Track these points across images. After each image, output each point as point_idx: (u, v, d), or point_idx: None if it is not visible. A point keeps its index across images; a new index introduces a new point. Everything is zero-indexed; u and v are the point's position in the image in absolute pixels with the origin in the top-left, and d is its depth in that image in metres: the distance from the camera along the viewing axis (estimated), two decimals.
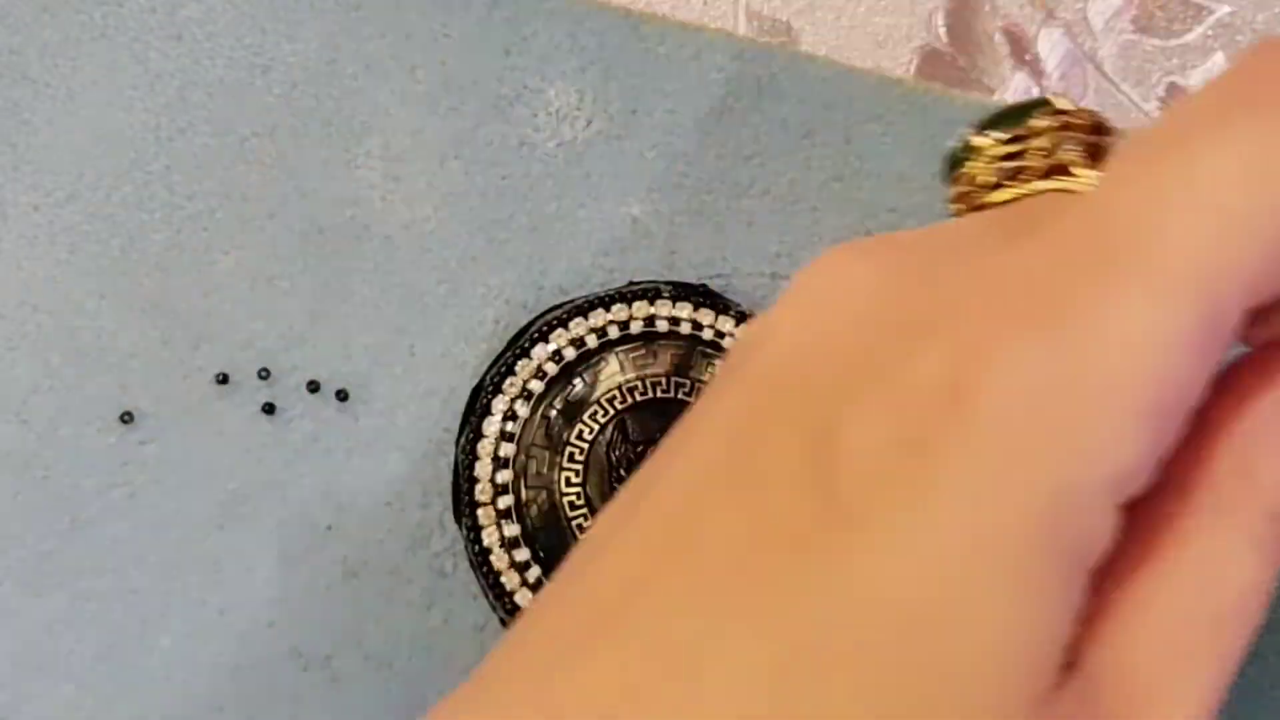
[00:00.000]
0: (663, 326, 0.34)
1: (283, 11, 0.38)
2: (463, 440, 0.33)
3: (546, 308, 0.35)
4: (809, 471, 0.20)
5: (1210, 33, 0.38)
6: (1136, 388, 0.19)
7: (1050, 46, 0.38)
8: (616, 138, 0.36)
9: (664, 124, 0.36)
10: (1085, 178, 0.23)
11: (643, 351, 0.34)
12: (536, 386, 0.33)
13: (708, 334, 0.34)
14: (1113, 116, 0.37)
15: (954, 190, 0.25)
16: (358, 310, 0.35)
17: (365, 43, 0.37)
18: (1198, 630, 0.20)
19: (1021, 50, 0.38)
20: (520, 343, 0.34)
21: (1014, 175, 0.24)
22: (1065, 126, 0.24)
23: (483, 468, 0.33)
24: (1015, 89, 0.37)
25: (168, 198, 0.36)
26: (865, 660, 0.19)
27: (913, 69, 0.38)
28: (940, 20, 0.38)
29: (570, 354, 0.33)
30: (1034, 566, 0.19)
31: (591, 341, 0.34)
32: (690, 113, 0.37)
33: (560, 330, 0.34)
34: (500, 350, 0.34)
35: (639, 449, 0.33)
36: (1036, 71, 0.38)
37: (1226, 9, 0.38)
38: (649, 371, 0.33)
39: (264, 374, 0.35)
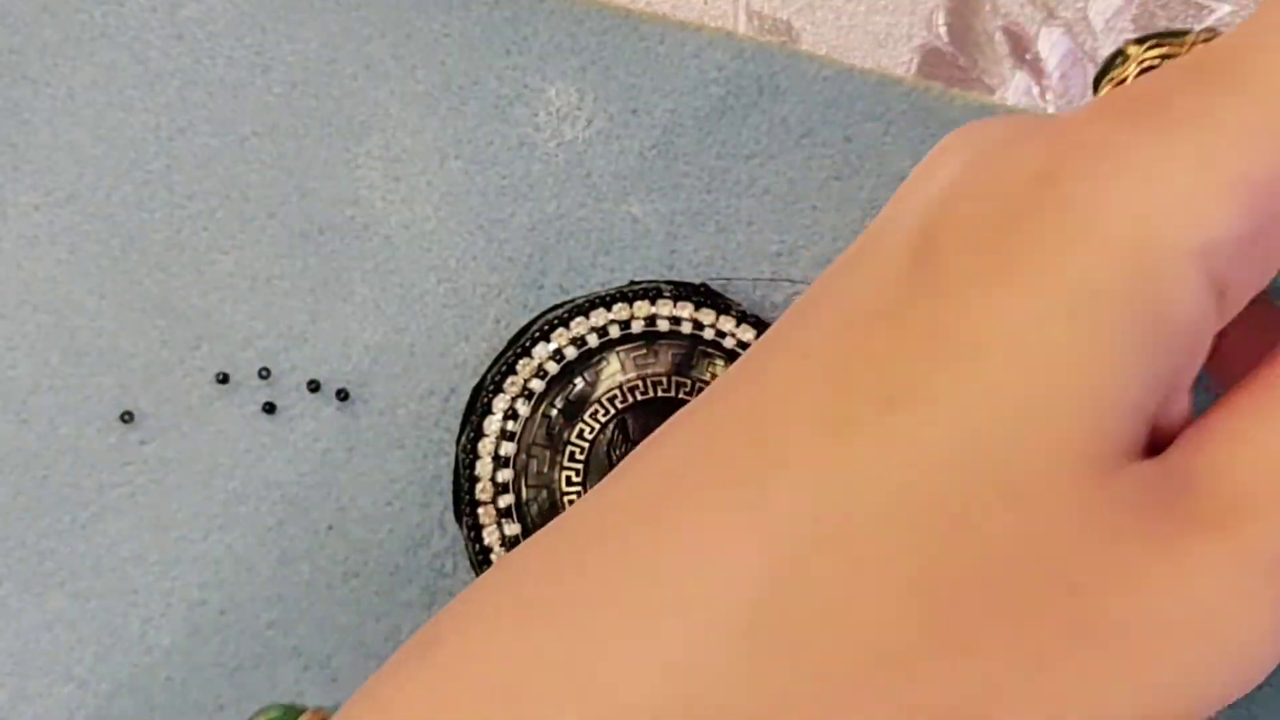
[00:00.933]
0: (664, 326, 0.34)
1: (283, 11, 0.38)
2: (463, 439, 0.33)
3: (547, 307, 0.35)
4: (911, 252, 0.21)
5: (1210, 32, 0.38)
6: (1234, 164, 0.20)
7: (1051, 46, 0.38)
8: (616, 137, 0.36)
9: (664, 124, 0.36)
10: None
11: (644, 351, 0.34)
12: (537, 386, 0.33)
13: (709, 334, 0.34)
14: None
15: (1101, 93, 0.26)
16: (358, 310, 0.35)
17: (365, 43, 0.37)
18: None
19: (1022, 50, 0.38)
20: (521, 342, 0.34)
21: None
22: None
23: (483, 467, 0.33)
24: (1015, 88, 0.37)
25: (168, 197, 0.36)
26: (950, 408, 0.20)
27: (913, 68, 0.38)
28: (940, 19, 0.38)
29: (571, 353, 0.33)
30: (1115, 317, 0.20)
31: (593, 340, 0.33)
32: (690, 112, 0.37)
33: (561, 329, 0.34)
34: (501, 349, 0.34)
35: None
36: (1037, 71, 0.38)
37: (1227, 8, 0.38)
38: (650, 371, 0.33)
39: (264, 374, 0.35)
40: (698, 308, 0.34)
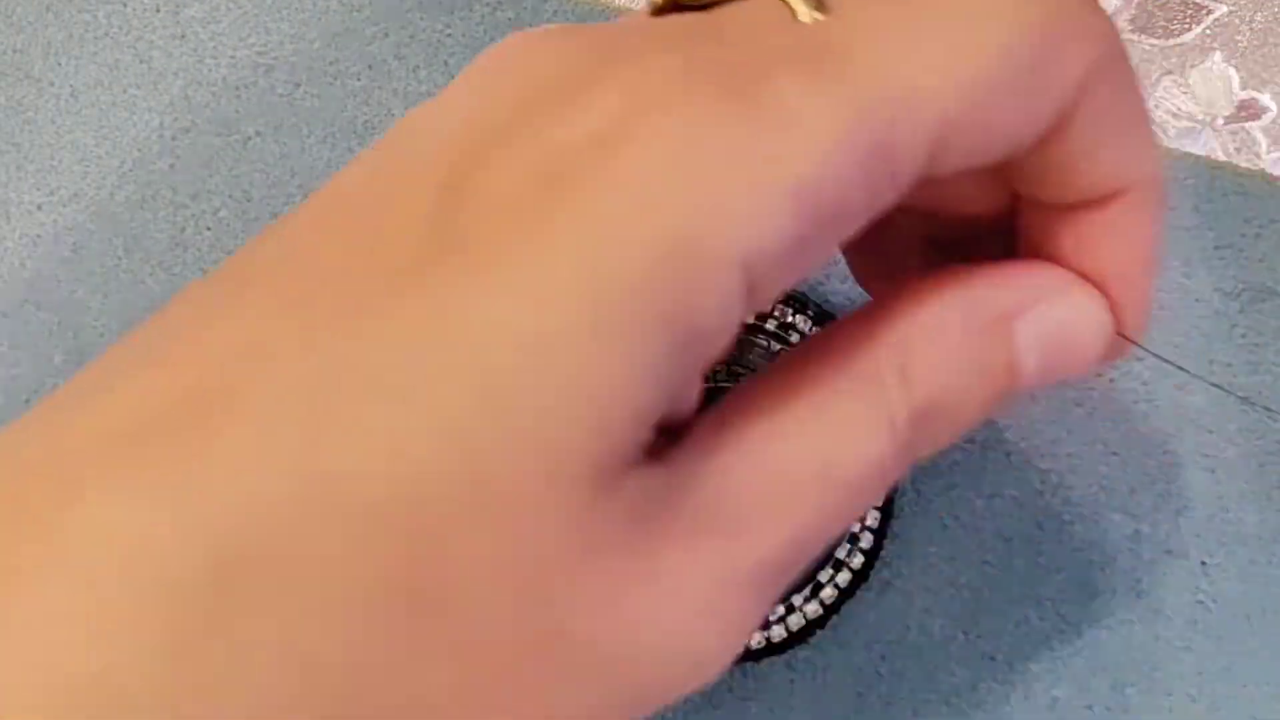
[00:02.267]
0: None
1: (286, 12, 0.38)
2: None
3: None
4: (435, 208, 0.19)
5: (1208, 32, 0.38)
6: (787, 170, 0.18)
7: None
8: None
9: None
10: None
11: None
12: None
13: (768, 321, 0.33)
14: None
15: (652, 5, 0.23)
16: None
17: (369, 43, 0.37)
18: (811, 480, 0.20)
19: None
20: None
21: None
22: None
23: None
24: None
25: (171, 197, 0.36)
26: (429, 394, 0.18)
27: None
28: None
29: None
30: (631, 319, 0.18)
31: None
32: None
33: None
34: None
35: None
36: None
37: (1224, 9, 0.38)
38: None
39: None
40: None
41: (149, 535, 0.17)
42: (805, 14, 0.20)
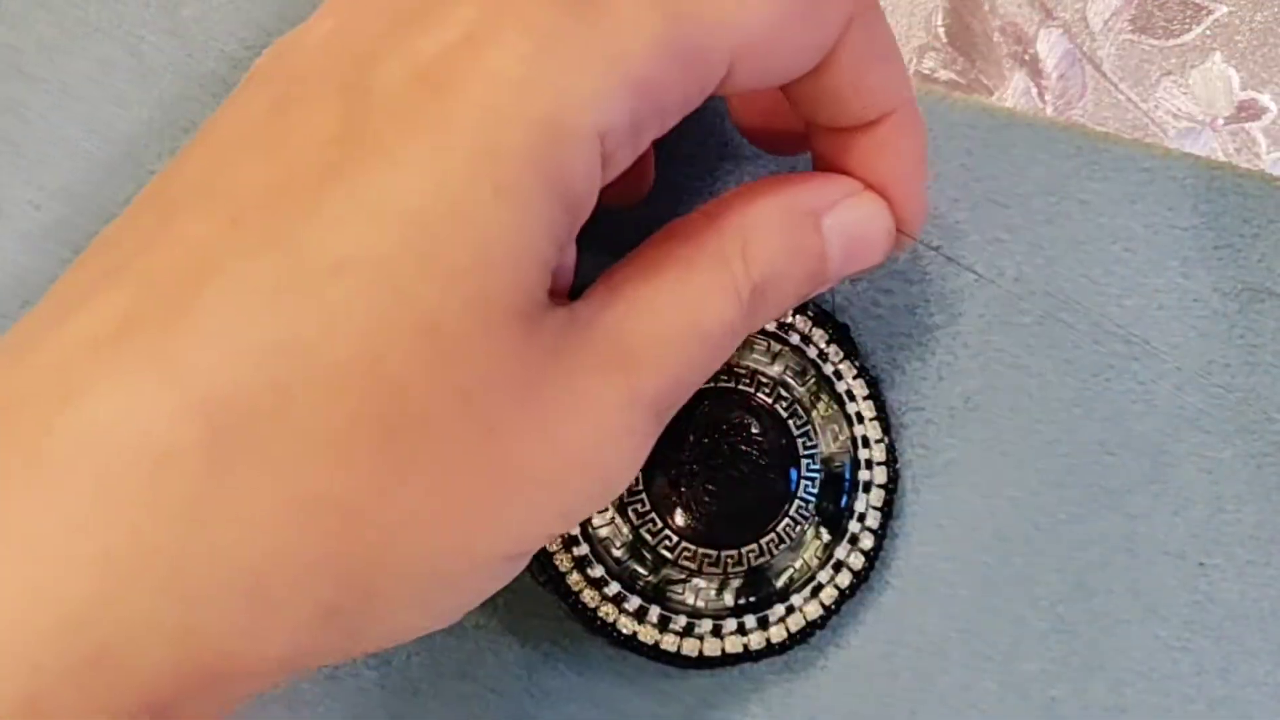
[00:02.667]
0: (794, 338, 0.34)
1: (277, 6, 0.37)
2: None
3: None
4: (342, 114, 0.22)
5: (1208, 33, 0.38)
6: (623, 60, 0.22)
7: (1049, 46, 0.38)
8: None
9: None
10: None
11: (766, 344, 0.34)
12: None
13: (828, 368, 0.33)
14: (1111, 116, 0.37)
15: None
16: None
17: None
18: (684, 332, 0.25)
19: (1020, 50, 0.38)
20: None
21: None
22: None
23: None
24: (1014, 89, 0.38)
25: None
26: (374, 264, 0.21)
27: (911, 69, 0.38)
28: (939, 20, 0.38)
29: None
30: (524, 183, 0.22)
31: None
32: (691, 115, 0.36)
33: None
34: None
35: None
36: (1035, 71, 0.38)
37: (1224, 9, 0.38)
38: (756, 366, 0.33)
39: None
40: (830, 341, 0.34)
41: (146, 416, 0.20)
42: None
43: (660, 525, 0.32)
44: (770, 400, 0.33)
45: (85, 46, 0.37)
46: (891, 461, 0.34)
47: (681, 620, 0.32)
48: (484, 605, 0.33)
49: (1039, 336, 0.35)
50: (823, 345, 0.34)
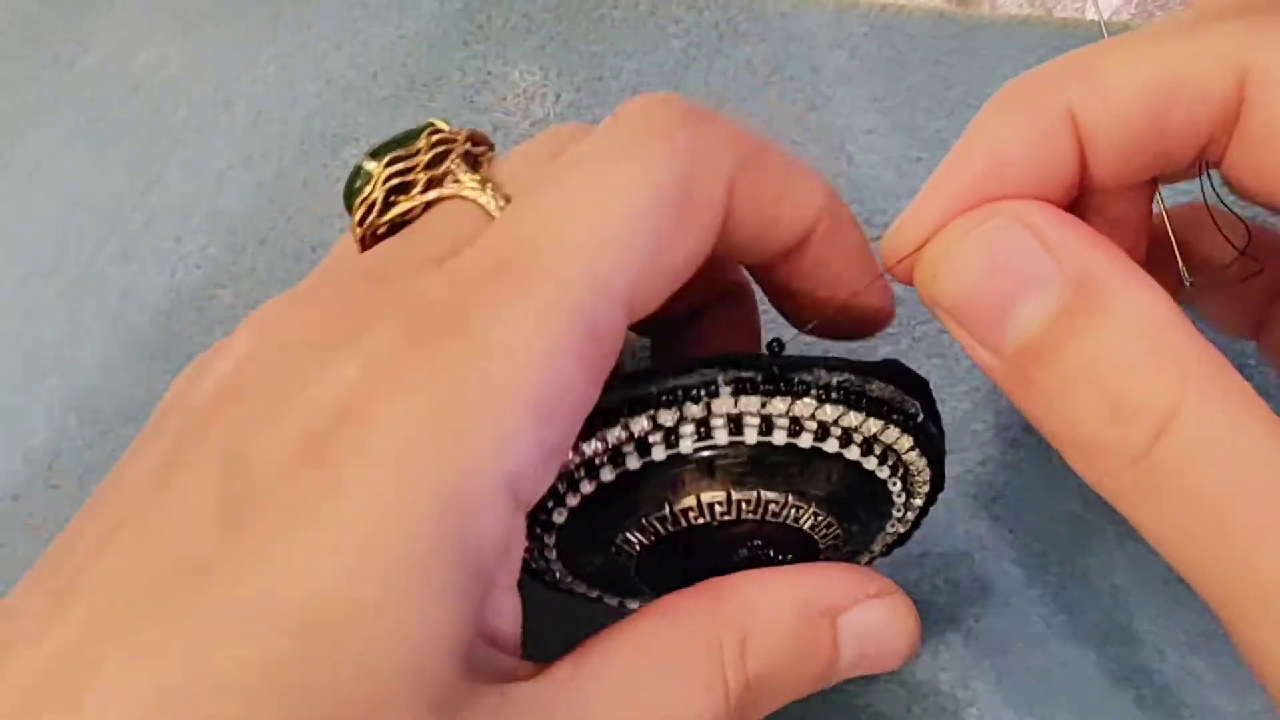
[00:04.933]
0: (746, 433, 0.25)
1: (234, 42, 0.37)
2: None
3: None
4: (218, 498, 0.20)
5: None
6: (521, 393, 0.20)
7: None
8: (587, 107, 0.36)
9: (631, 85, 0.37)
10: (465, 182, 0.25)
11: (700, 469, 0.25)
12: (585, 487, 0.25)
13: (779, 436, 0.25)
14: None
15: (355, 218, 0.26)
16: None
17: (323, 58, 0.37)
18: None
19: None
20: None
21: (403, 190, 0.25)
22: (442, 143, 0.25)
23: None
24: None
25: (155, 244, 0.36)
26: (265, 671, 0.19)
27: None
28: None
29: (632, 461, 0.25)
30: (431, 564, 0.20)
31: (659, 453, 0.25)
32: (655, 70, 0.37)
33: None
34: None
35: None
36: None
37: None
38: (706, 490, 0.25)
39: None
40: (766, 395, 0.24)
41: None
42: (494, 209, 0.24)
43: None
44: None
45: (49, 119, 0.37)
46: None
47: None
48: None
49: None
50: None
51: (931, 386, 0.26)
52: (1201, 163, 0.23)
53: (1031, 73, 0.23)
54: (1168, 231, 0.24)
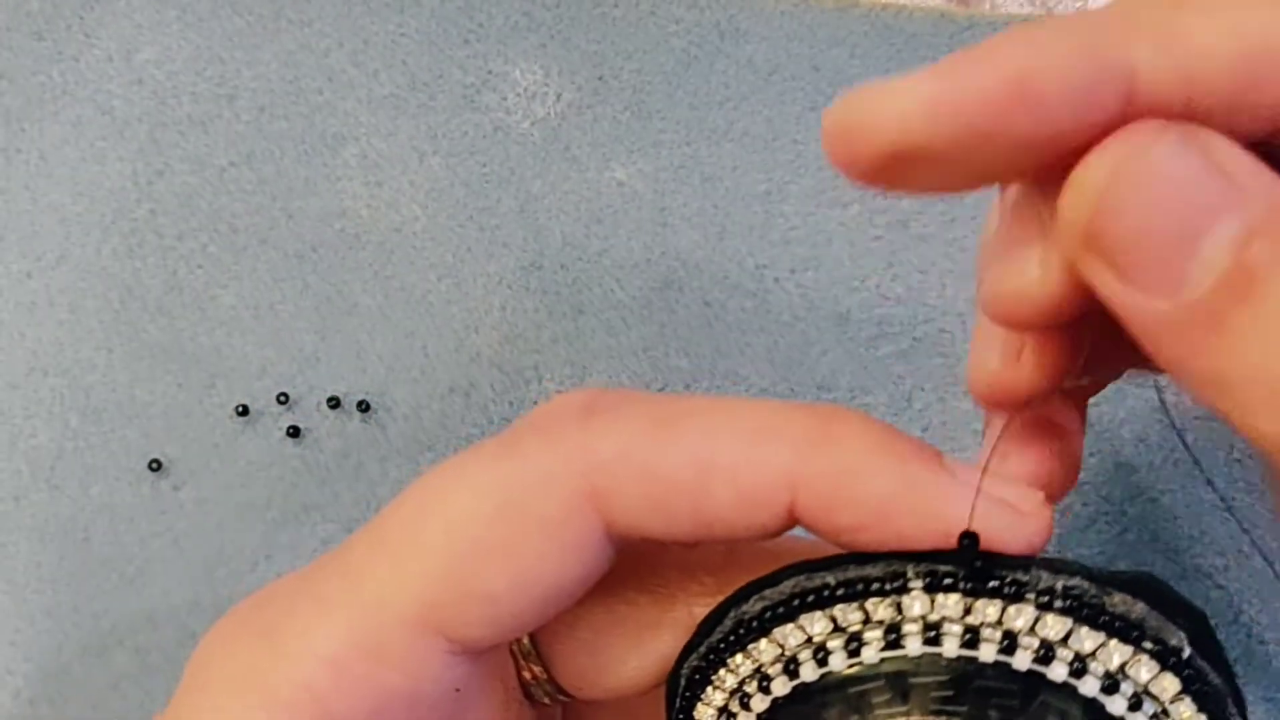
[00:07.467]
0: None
1: (238, 38, 0.37)
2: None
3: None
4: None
5: None
6: (296, 689, 0.23)
7: None
8: (588, 106, 0.36)
9: (632, 84, 0.36)
10: None
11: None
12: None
13: (986, 650, 0.20)
14: None
15: None
16: (365, 320, 0.35)
17: (324, 56, 0.37)
18: None
19: None
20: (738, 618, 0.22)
21: None
22: None
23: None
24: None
25: (158, 241, 0.36)
26: None
27: None
28: None
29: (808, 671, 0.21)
30: None
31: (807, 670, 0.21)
32: (656, 69, 0.36)
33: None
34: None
35: None
36: None
37: None
38: None
39: (283, 399, 0.35)
40: (969, 595, 0.20)
41: None
42: None
43: None
44: None
45: (54, 111, 0.37)
46: None
47: None
48: None
49: None
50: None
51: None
52: None
53: (1093, 12, 0.19)
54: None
